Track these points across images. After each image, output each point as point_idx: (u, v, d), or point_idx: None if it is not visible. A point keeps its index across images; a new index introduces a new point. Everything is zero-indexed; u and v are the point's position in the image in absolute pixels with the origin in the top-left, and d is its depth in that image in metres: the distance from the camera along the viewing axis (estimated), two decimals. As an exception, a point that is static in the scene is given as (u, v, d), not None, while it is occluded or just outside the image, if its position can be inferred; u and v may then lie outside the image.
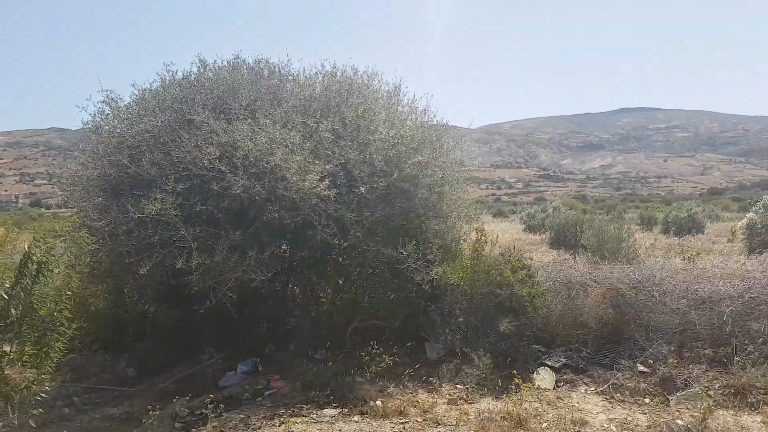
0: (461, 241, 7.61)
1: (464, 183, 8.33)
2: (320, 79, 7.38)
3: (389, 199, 6.80)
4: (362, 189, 6.18)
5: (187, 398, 5.78)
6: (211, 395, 5.55)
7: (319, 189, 5.90)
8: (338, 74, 7.28)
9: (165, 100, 6.86)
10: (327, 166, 6.15)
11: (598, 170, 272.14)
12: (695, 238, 22.08)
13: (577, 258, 12.00)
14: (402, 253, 6.46)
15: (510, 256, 6.77)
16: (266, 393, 6.01)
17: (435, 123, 7.57)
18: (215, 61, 7.39)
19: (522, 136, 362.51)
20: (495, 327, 6.34)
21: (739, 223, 20.54)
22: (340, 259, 7.33)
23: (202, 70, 7.31)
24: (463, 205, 7.93)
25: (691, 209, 23.89)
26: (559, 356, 6.15)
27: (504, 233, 28.65)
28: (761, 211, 14.17)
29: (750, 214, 15.12)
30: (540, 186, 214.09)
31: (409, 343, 6.98)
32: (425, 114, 7.42)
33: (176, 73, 7.26)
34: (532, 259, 6.97)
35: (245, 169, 5.92)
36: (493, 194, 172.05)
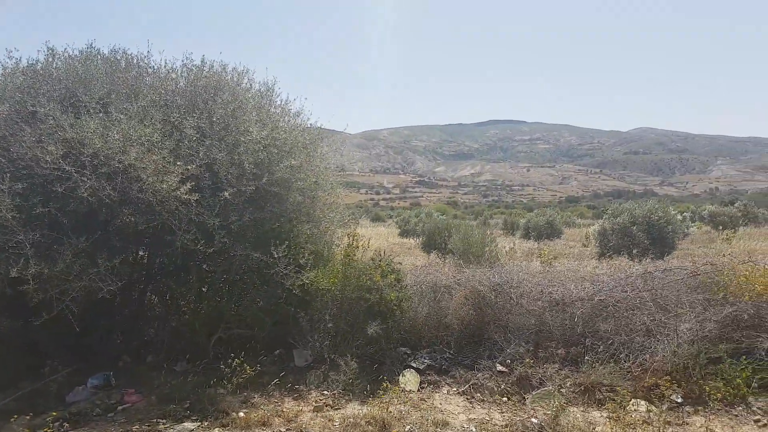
0: (334, 246, 7.56)
1: (339, 187, 8.27)
2: (184, 73, 6.89)
3: (259, 202, 6.53)
4: (227, 194, 5.86)
5: (28, 417, 5.11)
6: (54, 413, 4.97)
7: (179, 192, 5.49)
8: (206, 69, 6.85)
9: (5, 90, 6.00)
10: (189, 167, 5.74)
11: (468, 178, 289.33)
12: (553, 242, 24.16)
13: (445, 261, 12.53)
14: (273, 256, 6.25)
15: (380, 261, 6.82)
16: (119, 408, 5.52)
17: (309, 126, 7.42)
18: (65, 49, 6.61)
19: (400, 143, 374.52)
20: (364, 331, 6.34)
21: (592, 229, 22.85)
22: (204, 266, 6.91)
23: (50, 59, 6.49)
24: (336, 210, 7.86)
25: (550, 216, 26.08)
26: (424, 358, 6.30)
27: (380, 238, 29.30)
28: (611, 218, 15.76)
29: (601, 221, 16.76)
30: (416, 192, 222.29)
31: (278, 351, 6.81)
32: (299, 116, 7.24)
33: (20, 60, 6.39)
34: (401, 264, 7.09)
35: (94, 168, 5.34)
36: (372, 199, 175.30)
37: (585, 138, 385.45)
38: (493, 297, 6.52)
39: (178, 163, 5.66)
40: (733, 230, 27.96)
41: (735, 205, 38.80)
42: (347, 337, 6.51)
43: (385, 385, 5.38)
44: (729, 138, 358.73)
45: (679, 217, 19.32)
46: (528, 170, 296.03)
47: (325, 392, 5.70)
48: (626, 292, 6.10)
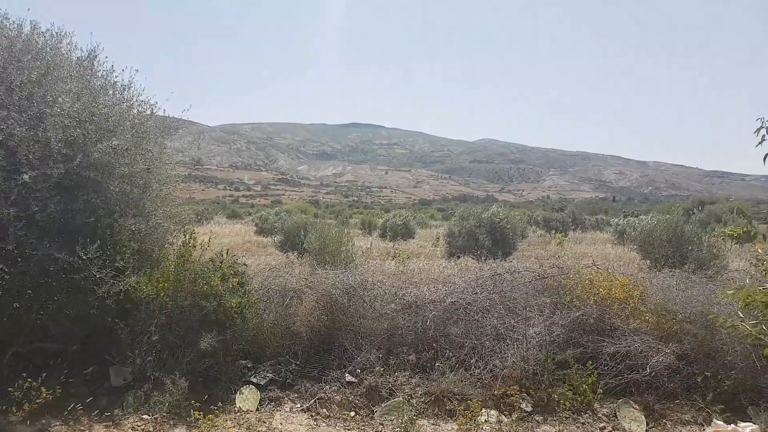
0: (167, 245, 6.55)
1: (179, 179, 7.23)
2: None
3: (71, 190, 5.39)
4: (26, 177, 4.70)
5: None
6: None
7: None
8: (8, 25, 5.51)
9: None
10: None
11: (330, 178, 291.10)
12: (407, 242, 24.71)
13: (302, 261, 11.92)
14: (81, 258, 5.16)
15: (221, 262, 6.02)
16: None
17: (142, 101, 6.30)
18: None
19: (263, 140, 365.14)
20: (197, 344, 5.51)
21: (441, 230, 23.73)
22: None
23: None
24: (173, 204, 6.83)
25: (405, 216, 26.67)
26: (267, 371, 5.64)
27: (236, 235, 27.75)
28: (459, 221, 16.35)
29: (450, 223, 17.35)
30: (278, 189, 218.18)
31: (91, 369, 5.70)
32: (129, 90, 6.12)
33: None
34: (246, 265, 6.34)
35: None
36: (231, 195, 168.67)
37: (437, 145, 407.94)
38: (346, 301, 6.06)
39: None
40: (564, 234, 31.01)
41: (564, 211, 43.35)
42: (177, 352, 5.61)
43: (218, 405, 4.65)
44: (560, 152, 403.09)
45: (519, 220, 20.79)
46: (386, 173, 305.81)
47: (146, 416, 4.83)
48: (477, 294, 6.02)
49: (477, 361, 5.28)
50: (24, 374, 4.92)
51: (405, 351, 5.68)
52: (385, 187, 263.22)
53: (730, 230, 17.61)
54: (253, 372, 5.70)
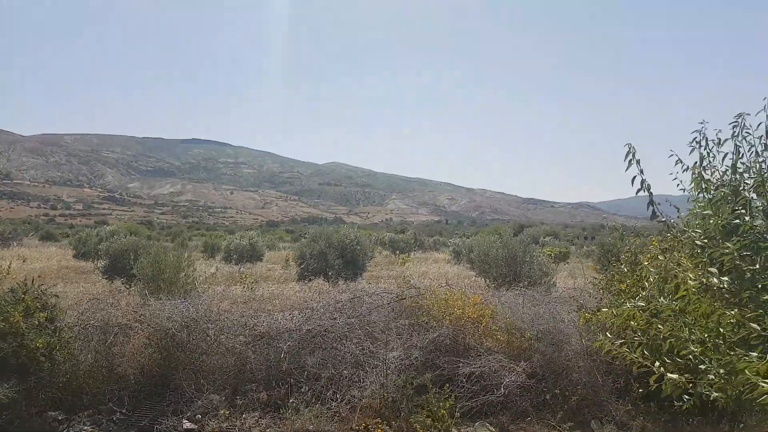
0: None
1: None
2: None
3: None
4: None
5: None
6: None
7: None
8: None
9: None
10: None
11: (167, 197, 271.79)
12: (255, 265, 23.60)
13: (129, 290, 10.55)
14: None
15: (24, 293, 4.90)
16: None
17: None
18: None
19: (87, 152, 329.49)
20: (-11, 397, 4.36)
21: (291, 252, 23.06)
22: None
23: None
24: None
25: (252, 238, 25.50)
26: (84, 423, 4.67)
27: (49, 260, 24.20)
28: (310, 242, 15.96)
29: (300, 245, 16.89)
30: (104, 209, 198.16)
31: None
32: None
33: None
34: (58, 296, 5.25)
35: None
36: (47, 215, 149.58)
37: (286, 167, 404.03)
38: (185, 336, 5.28)
39: None
40: (407, 254, 32.23)
41: (407, 233, 45.32)
42: (-39, 407, 4.40)
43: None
44: (401, 177, 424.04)
45: (368, 241, 21.05)
46: (232, 193, 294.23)
47: None
48: (335, 319, 5.67)
49: (334, 393, 4.90)
50: None
51: (255, 389, 5.09)
52: (230, 208, 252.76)
53: (549, 250, 19.68)
54: (66, 425, 4.68)
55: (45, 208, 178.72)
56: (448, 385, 4.79)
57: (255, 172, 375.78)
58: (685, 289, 2.87)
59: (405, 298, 5.79)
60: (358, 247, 16.22)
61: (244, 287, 12.15)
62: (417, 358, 4.99)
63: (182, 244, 31.47)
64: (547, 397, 4.90)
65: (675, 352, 3.05)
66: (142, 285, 9.31)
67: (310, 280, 14.05)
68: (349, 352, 5.19)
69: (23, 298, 4.91)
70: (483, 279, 12.73)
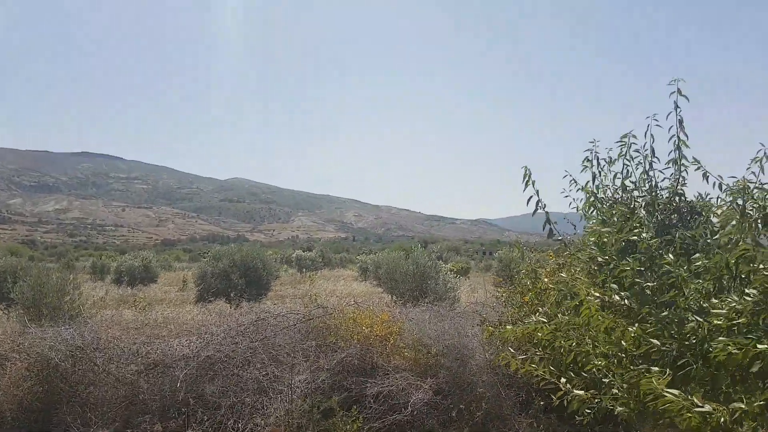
0: None
1: None
2: None
3: None
4: None
5: None
6: None
7: None
8: None
9: None
10: None
11: (52, 214, 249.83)
12: (149, 287, 22.23)
13: (7, 316, 9.51)
14: None
15: None
16: None
17: None
18: None
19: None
20: None
21: (190, 272, 21.96)
22: None
23: None
24: None
25: (145, 258, 24.05)
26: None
27: None
28: (212, 262, 15.31)
29: (201, 265, 16.15)
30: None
31: None
32: None
33: None
34: None
35: None
36: None
37: (184, 182, 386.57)
38: (69, 366, 4.82)
39: None
40: (314, 272, 31.91)
41: (314, 251, 44.90)
42: None
43: None
44: (308, 194, 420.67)
45: (274, 259, 20.61)
46: (123, 210, 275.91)
47: None
48: (237, 344, 5.44)
49: (236, 421, 4.67)
50: None
51: (149, 420, 4.72)
52: (122, 226, 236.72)
53: (452, 265, 20.35)
54: None
55: None
56: (355, 406, 4.74)
57: (150, 187, 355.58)
58: (587, 306, 3.01)
59: (312, 319, 5.69)
60: (263, 267, 15.84)
61: (136, 311, 11.39)
62: (324, 380, 4.89)
63: (68, 265, 29.02)
64: (453, 413, 4.99)
65: (579, 366, 3.21)
66: (21, 311, 8.44)
67: (210, 301, 13.48)
68: (251, 378, 4.98)
69: None
70: (390, 295, 12.88)
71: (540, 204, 4.34)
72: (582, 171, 4.29)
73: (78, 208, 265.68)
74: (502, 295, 5.79)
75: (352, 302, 6.36)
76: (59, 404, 4.78)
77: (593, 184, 4.20)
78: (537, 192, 4.26)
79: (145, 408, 4.83)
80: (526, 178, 4.24)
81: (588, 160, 4.24)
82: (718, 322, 2.61)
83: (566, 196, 4.32)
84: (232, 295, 14.55)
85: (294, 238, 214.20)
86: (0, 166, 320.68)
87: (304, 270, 33.69)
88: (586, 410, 3.00)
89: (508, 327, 3.73)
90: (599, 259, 3.41)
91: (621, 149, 4.06)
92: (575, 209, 4.35)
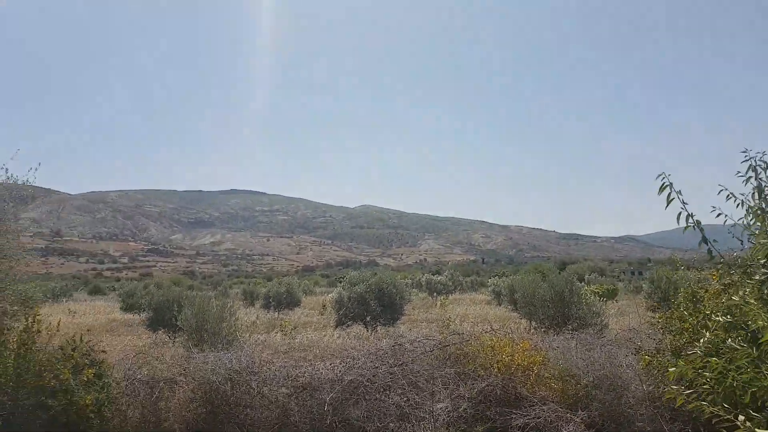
0: (5, 331, 5.35)
1: (23, 252, 6.08)
2: None
3: None
4: None
5: None
6: None
7: None
8: None
9: None
10: None
11: (207, 246, 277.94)
12: (293, 311, 23.67)
13: (173, 342, 10.65)
14: None
15: (73, 350, 5.00)
16: None
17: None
18: None
19: (131, 207, 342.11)
20: (41, 456, 4.41)
21: (329, 297, 23.03)
22: None
23: None
24: (13, 281, 5.66)
25: (289, 284, 25.67)
26: (134, 482, 4.66)
27: (98, 314, 24.84)
28: (348, 286, 15.90)
29: (338, 290, 16.83)
30: (148, 261, 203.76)
31: None
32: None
33: None
34: (105, 352, 5.34)
35: None
36: (95, 269, 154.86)
37: (318, 211, 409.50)
38: (228, 389, 5.26)
39: None
40: (445, 296, 31.73)
41: (444, 274, 44.73)
42: (14, 466, 4.45)
43: None
44: (433, 217, 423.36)
45: (405, 283, 20.84)
46: (268, 240, 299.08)
47: None
48: (377, 368, 5.55)
49: (381, 447, 4.75)
50: None
51: (300, 441, 4.99)
52: (268, 255, 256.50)
53: (596, 288, 19.01)
54: (113, 484, 4.67)
55: (93, 262, 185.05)
56: (491, 437, 4.58)
57: (289, 218, 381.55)
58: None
59: (449, 345, 5.64)
60: (395, 291, 16.07)
61: (283, 335, 12.14)
62: (466, 409, 4.80)
63: (223, 292, 31.88)
64: (608, 447, 4.63)
65: (759, 404, 2.83)
66: (186, 336, 9.40)
67: (348, 326, 13.92)
68: (393, 404, 5.05)
69: (72, 354, 5.00)
70: (528, 321, 12.35)
71: (691, 220, 3.89)
72: (746, 183, 3.79)
73: (230, 240, 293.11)
74: (658, 321, 5.28)
75: (488, 329, 6.19)
76: (221, 425, 5.22)
77: (760, 196, 3.69)
78: (684, 204, 3.82)
79: (296, 430, 5.10)
80: (667, 189, 3.79)
81: (752, 169, 3.75)
82: None
83: (719, 215, 3.84)
84: (368, 319, 14.93)
85: (422, 262, 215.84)
86: (162, 206, 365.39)
87: (434, 294, 33.65)
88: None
89: (670, 368, 3.31)
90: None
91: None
92: (733, 224, 3.84)
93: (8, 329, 5.40)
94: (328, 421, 4.92)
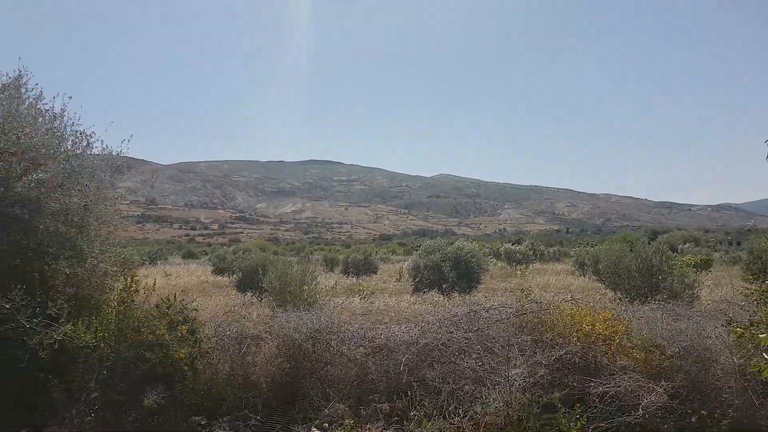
0: (107, 290, 5.87)
1: (122, 217, 6.58)
2: None
3: (-9, 229, 4.75)
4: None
5: None
6: None
7: None
8: None
9: None
10: None
11: (289, 215, 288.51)
12: (370, 278, 24.18)
13: (260, 302, 11.23)
14: (7, 307, 4.51)
15: (168, 307, 5.39)
16: None
17: (77, 132, 5.70)
18: None
19: (219, 178, 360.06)
20: (143, 401, 4.86)
21: (405, 264, 23.29)
22: None
23: None
24: (113, 244, 6.15)
25: (366, 252, 26.21)
26: (224, 428, 5.01)
27: (191, 276, 26.60)
28: (424, 255, 16.00)
29: (414, 257, 16.97)
30: (236, 228, 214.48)
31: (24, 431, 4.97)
32: (61, 119, 5.53)
33: None
34: (197, 310, 5.72)
35: None
36: (187, 235, 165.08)
37: (395, 181, 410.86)
38: (310, 346, 5.51)
39: None
40: (525, 266, 31.06)
41: (524, 244, 43.71)
42: (121, 409, 4.94)
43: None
44: (514, 185, 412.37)
45: (483, 253, 20.59)
46: (346, 209, 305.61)
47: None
48: (452, 333, 5.57)
49: (456, 407, 4.80)
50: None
51: (377, 399, 5.15)
52: (345, 223, 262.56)
53: (690, 258, 17.87)
54: (208, 429, 5.06)
55: (185, 229, 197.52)
56: (578, 405, 4.49)
57: (366, 188, 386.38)
58: None
59: (526, 313, 5.55)
60: (473, 260, 15.95)
61: (361, 299, 12.46)
62: (543, 376, 4.73)
63: (305, 258, 33.07)
64: (693, 419, 4.41)
65: None
66: (270, 298, 9.89)
67: (424, 292, 14.03)
68: (468, 367, 5.07)
69: (167, 312, 5.39)
70: (613, 292, 11.88)
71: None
72: None
73: (309, 209, 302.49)
74: (753, 293, 4.90)
75: (569, 298, 6.01)
76: (303, 379, 5.49)
77: None
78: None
79: (373, 387, 5.27)
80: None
81: None
82: None
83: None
84: (444, 286, 14.99)
85: (501, 231, 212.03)
86: (248, 177, 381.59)
87: (514, 264, 33.03)
88: None
89: (761, 335, 3.10)
90: None
91: None
92: None
93: (110, 289, 5.92)
94: (404, 380, 5.04)
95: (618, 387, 4.63)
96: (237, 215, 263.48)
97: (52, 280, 5.25)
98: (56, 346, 4.79)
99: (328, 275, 25.13)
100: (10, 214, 4.76)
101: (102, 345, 5.10)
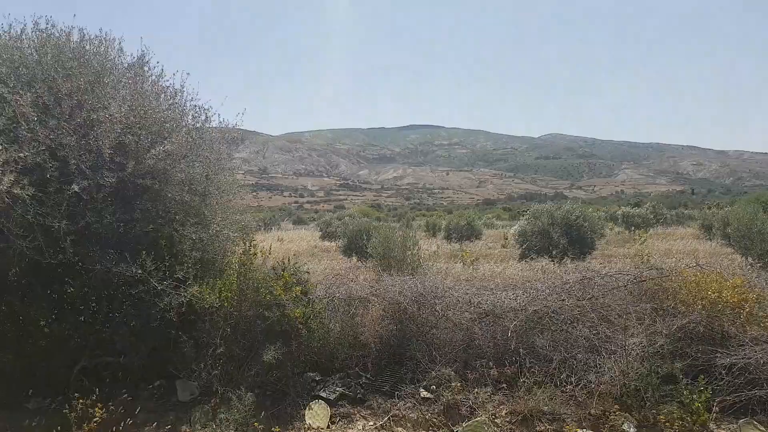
0: (228, 254, 6.33)
1: (239, 186, 7.01)
2: (31, 38, 5.45)
3: (127, 200, 5.26)
4: (75, 187, 4.57)
5: None
6: None
7: (3, 185, 4.14)
8: (56, 33, 5.44)
9: None
10: (22, 154, 4.39)
11: (391, 181, 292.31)
12: (474, 243, 23.95)
13: (365, 266, 11.57)
14: (143, 268, 5.01)
15: (283, 270, 5.70)
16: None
17: (196, 107, 6.11)
18: None
19: (323, 146, 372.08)
20: (263, 356, 5.23)
21: (512, 230, 22.75)
22: (65, 279, 5.51)
23: None
24: (232, 211, 6.60)
25: (469, 218, 25.92)
26: (336, 385, 5.27)
27: (301, 241, 28.03)
28: (531, 219, 15.51)
29: (521, 223, 16.50)
30: (340, 195, 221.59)
31: (158, 383, 5.59)
32: (181, 94, 5.93)
33: None
34: (309, 273, 6.00)
35: None
36: (296, 202, 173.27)
37: (499, 143, 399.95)
38: (415, 309, 5.58)
39: (5, 147, 4.31)
40: (645, 231, 29.06)
41: (645, 206, 40.83)
42: (243, 364, 5.36)
43: (287, 421, 4.32)
44: (632, 144, 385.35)
45: (597, 217, 19.49)
46: (447, 174, 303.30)
47: (214, 434, 4.56)
48: (563, 300, 5.37)
49: (568, 376, 4.66)
50: (96, 389, 4.84)
51: (484, 364, 5.12)
52: (447, 189, 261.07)
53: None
54: (321, 386, 5.35)
55: (294, 196, 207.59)
56: (702, 376, 4.16)
57: (468, 152, 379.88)
58: None
59: (645, 280, 5.19)
60: (585, 224, 15.18)
61: (464, 265, 12.39)
62: (663, 345, 4.43)
63: (407, 224, 33.46)
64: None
65: None
66: (375, 262, 10.15)
67: (532, 259, 13.65)
68: (581, 336, 4.87)
69: (282, 274, 5.72)
70: (744, 257, 10.81)
71: None
72: None
73: (410, 175, 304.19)
74: None
75: (693, 264, 5.52)
76: (409, 341, 5.60)
77: None
78: None
79: (480, 352, 5.25)
80: None
81: None
82: None
83: None
84: (553, 253, 14.46)
85: (618, 194, 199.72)
86: (350, 144, 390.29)
87: (632, 228, 31.02)
88: None
89: None
90: None
91: None
92: None
93: (231, 253, 6.38)
94: (512, 347, 4.96)
95: (748, 359, 4.24)
96: (341, 182, 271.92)
97: (180, 245, 5.72)
98: (184, 307, 5.27)
99: (430, 241, 25.24)
100: (143, 185, 5.21)
101: (226, 304, 5.53)
